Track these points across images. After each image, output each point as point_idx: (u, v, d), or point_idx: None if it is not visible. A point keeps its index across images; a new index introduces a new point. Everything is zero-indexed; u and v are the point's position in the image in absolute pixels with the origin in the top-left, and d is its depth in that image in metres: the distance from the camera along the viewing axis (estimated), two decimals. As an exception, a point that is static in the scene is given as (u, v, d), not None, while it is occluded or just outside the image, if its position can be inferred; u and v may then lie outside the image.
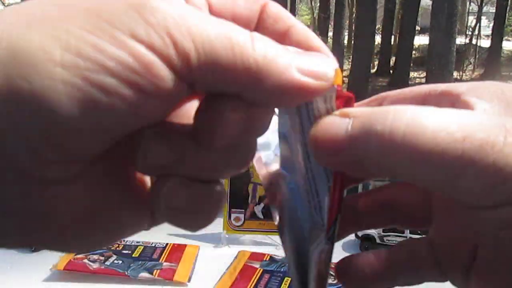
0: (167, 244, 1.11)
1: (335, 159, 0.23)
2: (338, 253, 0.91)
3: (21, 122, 0.18)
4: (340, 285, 0.94)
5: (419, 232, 1.83)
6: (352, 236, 1.18)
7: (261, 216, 1.17)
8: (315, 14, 14.72)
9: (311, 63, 0.22)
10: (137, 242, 1.12)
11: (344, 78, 10.12)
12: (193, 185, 0.23)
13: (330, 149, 0.22)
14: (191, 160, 0.22)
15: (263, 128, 0.23)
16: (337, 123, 0.22)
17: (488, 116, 0.23)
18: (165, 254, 1.05)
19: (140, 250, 1.07)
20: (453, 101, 0.25)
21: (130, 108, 0.19)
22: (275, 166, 0.29)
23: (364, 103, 0.28)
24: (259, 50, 0.20)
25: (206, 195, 0.23)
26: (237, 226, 1.17)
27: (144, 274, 0.98)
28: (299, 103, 0.23)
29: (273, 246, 1.16)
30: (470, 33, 11.44)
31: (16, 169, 0.19)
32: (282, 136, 0.28)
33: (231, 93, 0.21)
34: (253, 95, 0.21)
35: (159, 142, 0.22)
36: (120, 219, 0.24)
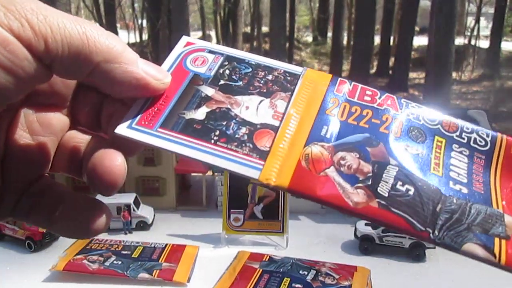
0: (166, 244, 1.11)
1: None
2: (338, 253, 0.92)
3: None
4: (340, 285, 0.94)
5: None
6: (351, 237, 1.18)
7: (260, 216, 1.17)
8: (314, 15, 14.72)
9: (153, 67, 0.27)
10: (137, 242, 1.12)
11: (344, 79, 10.12)
12: None
13: None
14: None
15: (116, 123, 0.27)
16: None
17: None
18: (164, 255, 1.06)
19: (140, 250, 1.07)
20: None
21: None
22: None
23: None
24: (110, 41, 0.25)
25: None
26: (237, 226, 1.17)
27: (144, 275, 0.98)
28: (138, 95, 0.27)
29: (272, 246, 1.16)
30: (469, 34, 11.46)
31: None
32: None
33: (85, 79, 0.25)
34: (102, 80, 0.25)
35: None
36: None
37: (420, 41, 11.45)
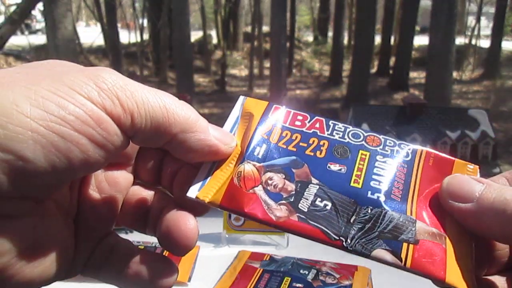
0: (167, 244, 1.11)
1: (458, 207, 0.28)
2: (338, 253, 0.92)
3: None
4: (340, 285, 0.94)
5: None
6: (352, 236, 1.19)
7: (261, 216, 1.18)
8: (314, 15, 14.72)
9: (221, 132, 0.30)
10: (138, 242, 1.12)
11: (344, 78, 10.13)
12: None
13: (460, 199, 0.28)
14: None
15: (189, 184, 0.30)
16: (472, 183, 0.28)
17: None
18: (165, 254, 1.06)
19: (141, 250, 1.07)
20: None
21: (83, 155, 0.23)
22: None
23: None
24: (186, 112, 0.27)
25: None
26: (237, 226, 1.17)
27: (145, 274, 0.98)
28: (209, 160, 0.29)
29: (273, 246, 1.17)
30: (469, 33, 11.46)
31: None
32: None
33: (161, 146, 0.27)
34: (178, 147, 0.27)
35: None
36: (65, 253, 0.27)
37: (421, 40, 11.46)
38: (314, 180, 0.30)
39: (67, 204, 0.28)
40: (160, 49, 10.47)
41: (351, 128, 0.33)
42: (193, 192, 0.29)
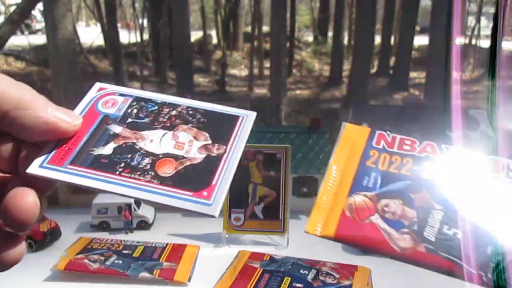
0: (167, 244, 1.11)
1: None
2: (338, 252, 0.92)
3: None
4: (340, 285, 0.94)
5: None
6: (352, 236, 1.18)
7: (261, 216, 1.17)
8: (315, 14, 14.71)
9: (62, 111, 0.30)
10: (138, 242, 1.12)
11: (344, 78, 10.14)
12: None
13: None
14: None
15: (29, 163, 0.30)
16: None
17: None
18: (165, 254, 1.06)
19: (141, 250, 1.07)
20: None
21: None
22: None
23: None
24: (20, 91, 0.28)
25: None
26: (237, 226, 1.17)
27: (144, 274, 0.98)
28: (50, 138, 0.30)
29: (273, 246, 1.17)
30: (469, 33, 11.44)
31: None
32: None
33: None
34: (12, 125, 0.28)
35: None
36: None
37: (421, 40, 11.41)
38: (437, 206, 0.28)
39: None
40: (160, 49, 10.43)
41: (466, 150, 0.32)
42: (33, 168, 0.29)
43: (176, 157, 0.30)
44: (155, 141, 0.31)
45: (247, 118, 0.33)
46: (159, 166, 0.30)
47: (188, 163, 0.29)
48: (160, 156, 0.30)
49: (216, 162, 0.29)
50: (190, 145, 0.30)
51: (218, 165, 0.29)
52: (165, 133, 0.32)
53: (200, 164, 0.29)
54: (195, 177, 0.28)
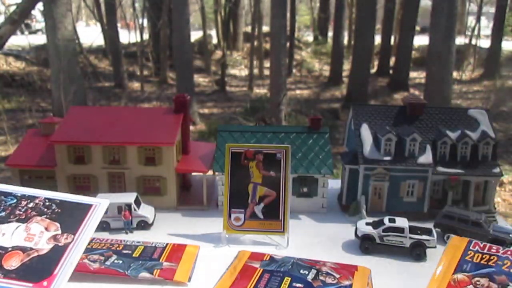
0: (167, 244, 1.11)
1: None
2: (338, 253, 0.94)
3: None
4: (340, 285, 0.94)
5: (418, 232, 1.84)
6: (352, 236, 1.18)
7: (261, 216, 1.17)
8: (314, 15, 14.65)
9: None
10: (138, 242, 1.12)
11: (344, 78, 10.11)
12: None
13: None
14: None
15: None
16: None
17: None
18: (165, 254, 1.06)
19: (141, 250, 1.07)
20: None
21: None
22: None
23: None
24: None
25: None
26: (237, 226, 1.17)
27: (144, 274, 0.98)
28: None
29: (273, 246, 1.16)
30: (469, 33, 11.42)
31: None
32: None
33: None
34: None
35: None
36: None
37: (421, 40, 11.39)
38: None
39: None
40: (160, 49, 10.42)
41: None
42: None
43: (24, 249, 0.33)
44: (7, 234, 0.34)
45: (99, 206, 0.35)
46: (6, 259, 0.32)
47: (35, 254, 0.31)
48: (9, 249, 0.33)
49: (61, 252, 0.31)
50: (41, 236, 0.32)
51: (63, 254, 0.31)
52: (19, 226, 0.34)
53: (47, 254, 0.31)
54: (39, 268, 0.30)
